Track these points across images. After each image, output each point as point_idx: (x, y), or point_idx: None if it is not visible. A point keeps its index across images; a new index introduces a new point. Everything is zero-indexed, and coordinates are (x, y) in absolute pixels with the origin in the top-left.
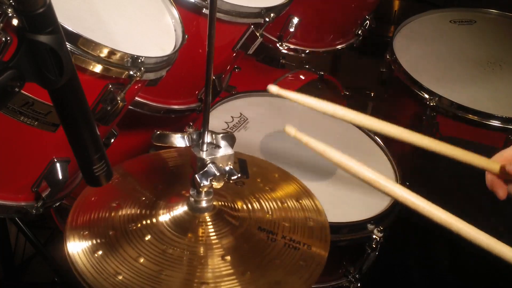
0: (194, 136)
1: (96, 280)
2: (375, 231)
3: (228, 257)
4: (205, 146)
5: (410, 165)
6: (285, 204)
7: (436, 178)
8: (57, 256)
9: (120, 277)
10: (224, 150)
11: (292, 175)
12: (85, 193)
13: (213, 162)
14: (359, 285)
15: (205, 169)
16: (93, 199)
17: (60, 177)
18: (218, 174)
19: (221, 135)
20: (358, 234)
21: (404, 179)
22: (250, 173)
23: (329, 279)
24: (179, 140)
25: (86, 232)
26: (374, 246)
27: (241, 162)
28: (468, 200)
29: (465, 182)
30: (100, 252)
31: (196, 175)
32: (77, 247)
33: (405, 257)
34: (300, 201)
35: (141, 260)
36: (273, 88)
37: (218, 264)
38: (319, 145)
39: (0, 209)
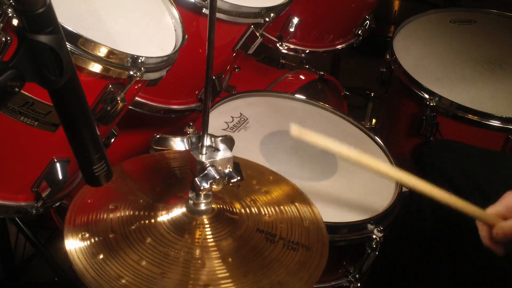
0: (194, 139)
1: (99, 283)
2: (375, 231)
3: (230, 259)
4: (204, 149)
5: (409, 169)
6: (281, 206)
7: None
8: (57, 256)
9: (123, 281)
10: (223, 153)
11: (285, 178)
12: (81, 195)
13: (212, 165)
14: (359, 285)
15: (205, 172)
16: (89, 201)
17: (60, 177)
18: (217, 177)
19: (220, 138)
20: (358, 234)
21: None
22: (245, 175)
23: (329, 279)
24: (178, 144)
25: (86, 235)
26: (374, 246)
27: (235, 166)
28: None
29: (462, 185)
30: (101, 256)
31: (196, 178)
32: (77, 251)
33: (405, 257)
34: (296, 203)
35: (143, 263)
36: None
37: (220, 267)
38: (328, 142)
39: (0, 209)
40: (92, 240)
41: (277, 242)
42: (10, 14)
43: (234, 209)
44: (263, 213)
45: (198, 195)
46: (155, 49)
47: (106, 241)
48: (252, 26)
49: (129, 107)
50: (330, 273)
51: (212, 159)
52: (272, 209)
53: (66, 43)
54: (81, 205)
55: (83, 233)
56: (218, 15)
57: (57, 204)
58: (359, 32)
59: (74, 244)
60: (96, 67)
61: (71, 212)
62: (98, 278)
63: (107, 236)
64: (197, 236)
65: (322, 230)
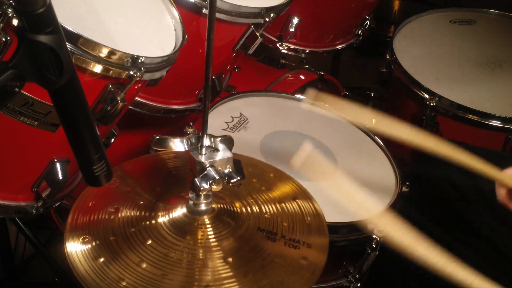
0: (193, 140)
1: (100, 286)
2: (375, 231)
3: (230, 259)
4: (203, 149)
5: (410, 169)
6: (282, 204)
7: (435, 183)
8: (57, 256)
9: (124, 283)
10: (223, 153)
11: (287, 174)
12: (83, 197)
13: (212, 166)
14: (359, 285)
15: (205, 173)
16: (90, 204)
17: (60, 177)
18: (217, 177)
19: (220, 138)
20: (358, 234)
21: (404, 180)
22: (246, 173)
23: (329, 279)
24: (178, 144)
25: (87, 239)
26: (374, 246)
27: (236, 163)
28: (465, 205)
29: (462, 186)
30: (102, 259)
31: (196, 179)
32: (78, 254)
33: (405, 257)
34: (297, 200)
35: (144, 265)
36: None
37: (220, 267)
38: None
39: (0, 209)
40: (93, 244)
41: (278, 240)
42: (10, 14)
43: (234, 208)
44: (264, 211)
45: (198, 196)
46: (155, 49)
47: (107, 243)
48: (252, 26)
49: (129, 107)
50: (330, 273)
51: (212, 160)
52: (273, 206)
53: (66, 43)
54: (83, 208)
55: (84, 236)
56: (218, 15)
57: (57, 204)
58: (359, 32)
59: (75, 248)
60: (96, 67)
61: (72, 216)
62: (99, 281)
63: (108, 239)
64: (199, 237)
65: (323, 227)
